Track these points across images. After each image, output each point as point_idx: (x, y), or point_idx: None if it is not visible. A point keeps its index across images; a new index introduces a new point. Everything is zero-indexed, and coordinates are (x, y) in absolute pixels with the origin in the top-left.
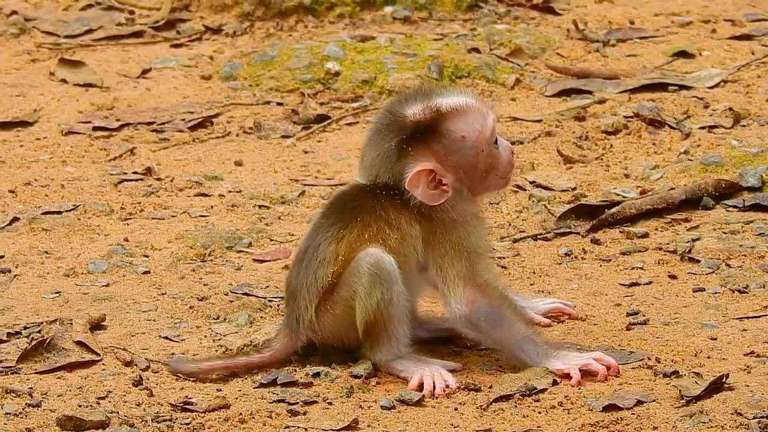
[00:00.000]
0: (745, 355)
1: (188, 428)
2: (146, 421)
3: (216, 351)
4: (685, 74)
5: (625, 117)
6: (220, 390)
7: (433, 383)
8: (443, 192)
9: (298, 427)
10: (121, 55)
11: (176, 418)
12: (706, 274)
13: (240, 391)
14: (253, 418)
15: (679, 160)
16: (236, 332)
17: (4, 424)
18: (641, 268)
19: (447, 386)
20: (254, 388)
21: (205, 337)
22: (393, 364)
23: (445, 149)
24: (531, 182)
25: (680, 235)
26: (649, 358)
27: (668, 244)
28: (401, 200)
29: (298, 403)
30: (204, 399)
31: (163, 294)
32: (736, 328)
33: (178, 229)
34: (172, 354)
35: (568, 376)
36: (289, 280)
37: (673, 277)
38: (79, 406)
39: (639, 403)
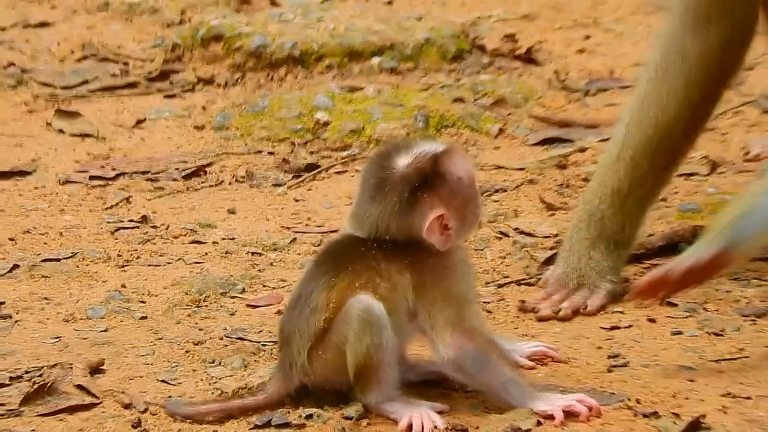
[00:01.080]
0: (721, 396)
1: None
2: None
3: (212, 394)
4: None
5: None
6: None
7: (422, 424)
8: (449, 236)
9: None
10: (116, 106)
11: None
12: (684, 317)
13: None
14: None
15: (657, 206)
16: (231, 375)
17: None
18: (621, 312)
19: (435, 427)
20: (249, 429)
21: (202, 380)
22: (383, 406)
23: (449, 192)
24: (514, 229)
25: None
26: (629, 399)
27: None
28: (392, 250)
29: None
30: None
31: (160, 339)
32: (713, 369)
33: (174, 275)
34: (170, 397)
35: (551, 417)
36: (283, 325)
37: (652, 320)
38: None
39: None
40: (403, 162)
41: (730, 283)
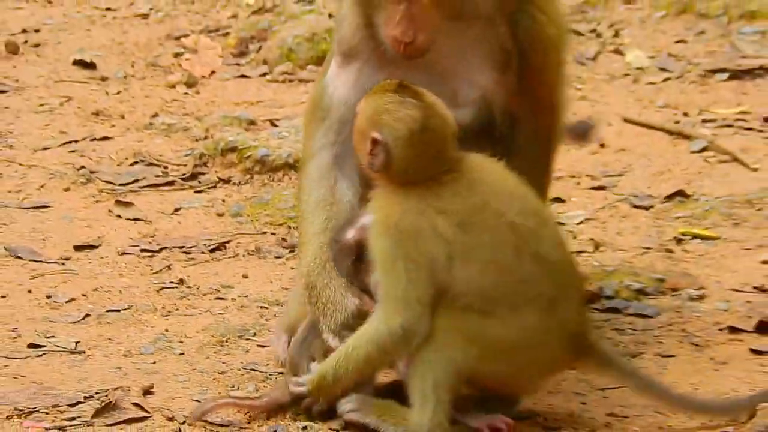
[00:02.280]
0: (606, 415)
1: None
2: None
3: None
4: (560, 214)
5: None
6: None
7: None
8: None
9: None
10: (159, 198)
11: None
12: None
13: None
14: None
15: None
16: (247, 397)
17: None
18: None
19: None
20: None
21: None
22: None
23: None
24: None
25: None
26: (538, 416)
27: None
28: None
29: None
30: None
31: (193, 369)
32: (600, 396)
33: (204, 323)
34: None
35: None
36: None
37: None
38: None
39: None
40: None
41: (612, 332)
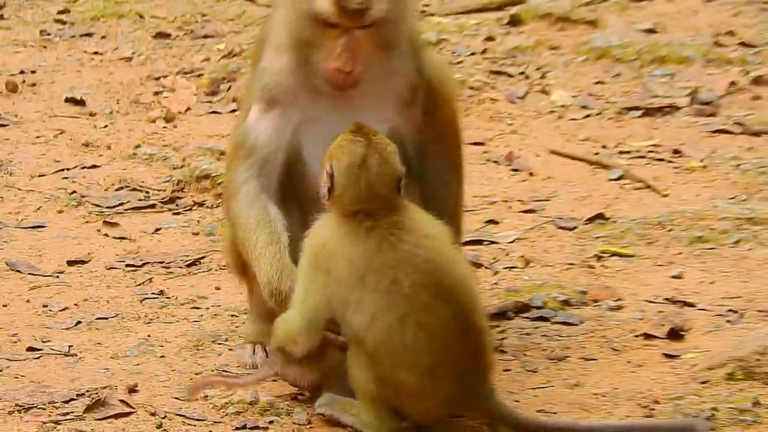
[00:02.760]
0: (537, 411)
1: None
2: None
3: (207, 405)
4: (494, 234)
5: None
6: None
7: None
8: None
9: None
10: (142, 219)
11: None
12: (511, 360)
13: None
14: None
15: (491, 288)
16: (219, 395)
17: None
18: None
19: None
20: (233, 430)
21: (201, 397)
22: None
23: None
24: None
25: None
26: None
27: None
28: None
29: None
30: None
31: (173, 370)
32: (531, 394)
33: (182, 329)
34: (181, 407)
35: None
36: None
37: None
38: None
39: None
40: None
41: (541, 338)
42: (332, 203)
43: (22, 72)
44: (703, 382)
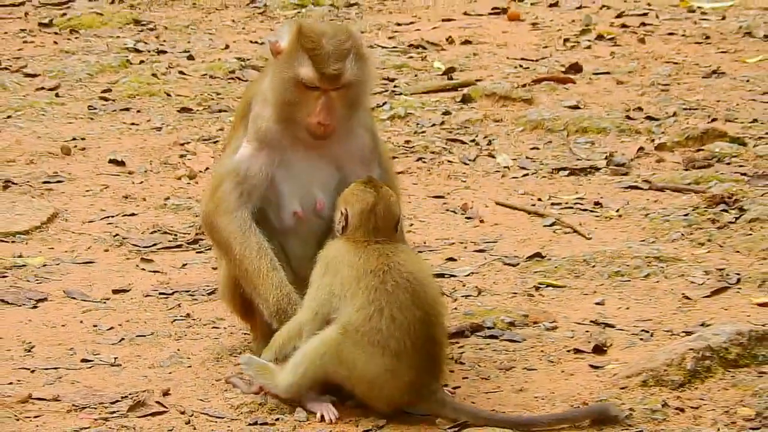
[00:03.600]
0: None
1: None
2: None
3: (226, 405)
4: (453, 269)
5: None
6: (230, 428)
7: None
8: None
9: None
10: (172, 257)
11: None
12: (469, 370)
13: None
14: None
15: (452, 312)
16: (236, 396)
17: None
18: None
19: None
20: (247, 425)
21: (224, 400)
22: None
23: None
24: None
25: (452, 350)
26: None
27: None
28: None
29: None
30: None
31: (198, 377)
32: (484, 398)
33: (204, 345)
34: (205, 407)
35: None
36: None
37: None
38: None
39: None
40: None
41: (492, 352)
42: (345, 236)
43: (74, 139)
44: (622, 388)
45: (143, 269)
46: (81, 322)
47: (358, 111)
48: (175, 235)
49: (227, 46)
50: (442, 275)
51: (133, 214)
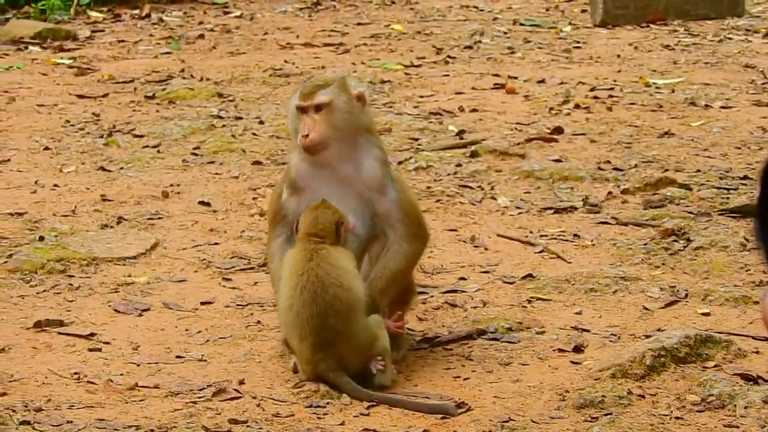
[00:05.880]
0: (493, 397)
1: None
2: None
3: (287, 392)
4: (464, 286)
5: None
6: (291, 410)
7: None
8: None
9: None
10: (246, 277)
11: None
12: (476, 365)
13: (300, 410)
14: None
15: (463, 320)
16: (295, 383)
17: (209, 417)
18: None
19: None
20: (304, 407)
21: (287, 387)
22: None
23: None
24: None
25: (463, 350)
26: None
27: None
28: None
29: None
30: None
31: (267, 370)
32: (488, 387)
33: (272, 345)
34: (272, 393)
35: None
36: None
37: (462, 365)
38: (237, 413)
39: None
40: None
41: (494, 351)
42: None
43: (171, 185)
44: (596, 379)
45: (224, 286)
46: (176, 327)
47: (360, 142)
48: (249, 260)
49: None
50: (455, 291)
51: (216, 243)
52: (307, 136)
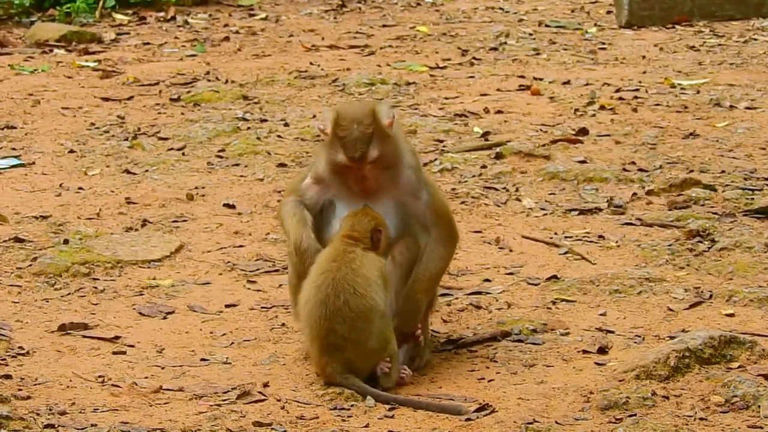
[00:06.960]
0: (518, 399)
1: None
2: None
3: (312, 395)
4: (489, 288)
5: None
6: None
7: None
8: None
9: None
10: (271, 279)
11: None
12: (500, 366)
13: (324, 413)
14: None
15: (488, 321)
16: (320, 386)
17: (233, 420)
18: None
19: None
20: (329, 409)
21: (312, 391)
22: None
23: None
24: None
25: (488, 351)
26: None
27: None
28: None
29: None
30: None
31: (291, 373)
32: (513, 389)
33: (296, 347)
34: (296, 396)
35: None
36: None
37: (486, 367)
38: (261, 416)
39: None
40: None
41: (519, 353)
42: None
43: (196, 188)
44: (620, 380)
45: (249, 288)
46: (200, 329)
47: (399, 163)
48: (274, 262)
49: (314, 116)
50: (479, 293)
51: (241, 246)
52: (367, 187)
